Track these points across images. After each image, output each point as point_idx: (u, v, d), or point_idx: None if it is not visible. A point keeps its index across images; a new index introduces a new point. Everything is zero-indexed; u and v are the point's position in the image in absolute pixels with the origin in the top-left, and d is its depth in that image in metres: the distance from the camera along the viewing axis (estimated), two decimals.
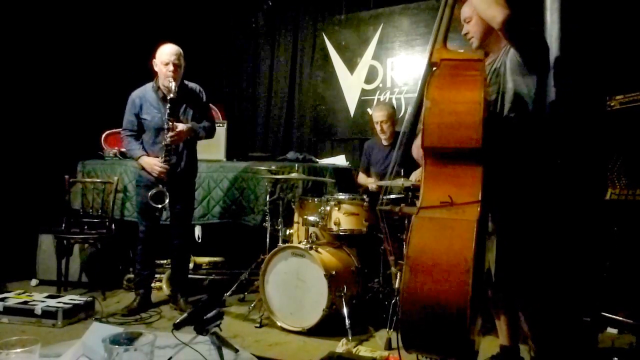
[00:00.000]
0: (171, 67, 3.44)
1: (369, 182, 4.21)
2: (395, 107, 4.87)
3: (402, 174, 3.28)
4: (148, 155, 3.54)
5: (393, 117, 4.05)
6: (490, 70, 2.38)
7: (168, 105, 3.39)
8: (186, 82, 3.63)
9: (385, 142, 4.11)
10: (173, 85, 3.39)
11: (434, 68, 2.22)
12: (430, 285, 1.89)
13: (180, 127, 3.45)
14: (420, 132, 2.10)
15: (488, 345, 2.76)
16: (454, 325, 1.83)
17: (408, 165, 3.18)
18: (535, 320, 2.36)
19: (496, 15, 2.12)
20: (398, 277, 2.95)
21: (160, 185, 3.42)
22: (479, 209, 1.95)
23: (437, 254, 1.92)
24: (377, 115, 4.06)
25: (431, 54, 2.26)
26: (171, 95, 3.39)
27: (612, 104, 2.90)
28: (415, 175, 3.53)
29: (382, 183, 3.79)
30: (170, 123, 3.38)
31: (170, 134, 3.39)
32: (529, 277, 2.31)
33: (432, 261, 1.92)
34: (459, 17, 2.46)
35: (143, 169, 3.54)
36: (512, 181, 2.27)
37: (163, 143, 3.41)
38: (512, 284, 2.33)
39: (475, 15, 2.36)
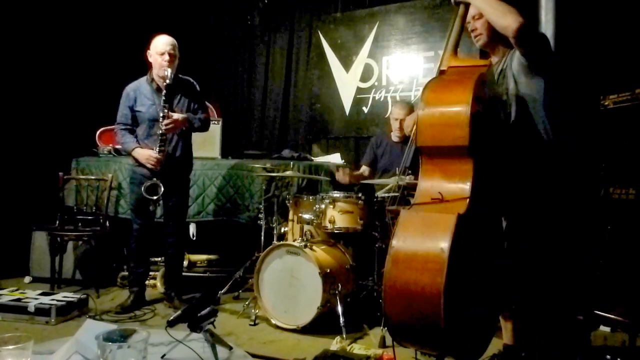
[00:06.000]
0: (167, 57, 3.45)
1: (340, 176, 4.09)
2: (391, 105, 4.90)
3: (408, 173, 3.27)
4: (141, 148, 3.53)
5: None
6: (497, 71, 2.36)
7: (164, 92, 3.39)
8: (180, 75, 3.63)
9: (396, 139, 4.09)
10: (168, 72, 3.39)
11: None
12: (409, 278, 1.92)
13: (176, 116, 3.45)
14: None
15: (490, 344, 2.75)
16: (430, 319, 1.85)
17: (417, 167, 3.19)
18: (530, 318, 2.35)
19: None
20: None
21: (155, 178, 3.40)
22: (466, 204, 1.98)
23: (417, 247, 1.95)
24: (399, 113, 4.01)
25: (441, 62, 2.29)
26: (167, 81, 3.39)
27: (606, 103, 2.91)
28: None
29: (373, 181, 3.83)
30: (166, 111, 3.37)
31: (166, 121, 3.37)
32: (527, 274, 2.29)
33: (412, 253, 1.95)
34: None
35: (137, 163, 3.53)
36: (519, 181, 2.27)
37: (158, 132, 3.40)
38: (512, 281, 2.31)
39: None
